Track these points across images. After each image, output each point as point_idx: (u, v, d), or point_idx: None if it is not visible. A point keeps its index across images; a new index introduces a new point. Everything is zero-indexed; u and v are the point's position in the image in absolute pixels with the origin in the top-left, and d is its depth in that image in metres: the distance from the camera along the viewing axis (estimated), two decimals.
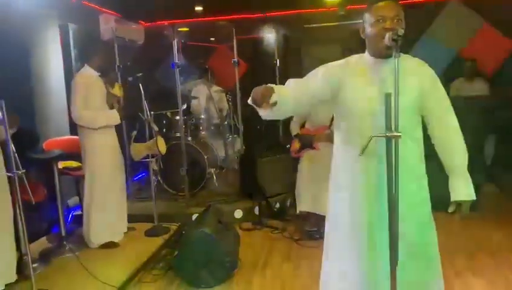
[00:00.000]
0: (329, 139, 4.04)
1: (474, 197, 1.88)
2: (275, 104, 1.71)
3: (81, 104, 3.48)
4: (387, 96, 1.58)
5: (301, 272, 3.30)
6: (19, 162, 2.61)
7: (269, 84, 1.75)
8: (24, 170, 2.62)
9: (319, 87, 1.91)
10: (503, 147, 5.20)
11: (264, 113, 1.82)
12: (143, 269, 3.34)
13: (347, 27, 5.92)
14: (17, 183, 2.62)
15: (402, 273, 1.69)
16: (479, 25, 5.73)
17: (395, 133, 1.59)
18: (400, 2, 1.84)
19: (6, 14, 3.47)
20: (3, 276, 2.82)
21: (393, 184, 1.61)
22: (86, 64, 3.64)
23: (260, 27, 5.98)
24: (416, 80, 1.84)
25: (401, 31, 1.61)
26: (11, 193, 2.84)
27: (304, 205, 3.96)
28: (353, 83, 1.87)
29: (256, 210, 4.40)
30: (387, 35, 1.66)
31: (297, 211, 4.01)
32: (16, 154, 2.59)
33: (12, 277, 2.90)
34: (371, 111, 1.81)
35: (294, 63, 6.13)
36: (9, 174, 2.57)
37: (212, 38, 6.81)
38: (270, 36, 5.96)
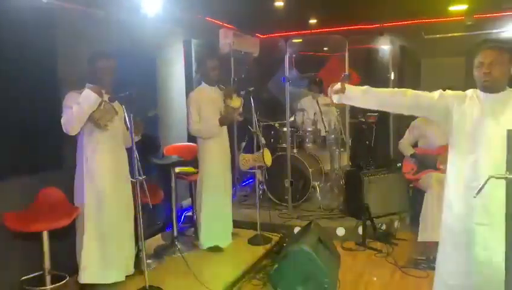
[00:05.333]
0: None
1: None
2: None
3: (193, 118, 3.82)
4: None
5: None
6: (141, 169, 2.91)
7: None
8: (145, 177, 2.91)
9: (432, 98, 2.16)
10: None
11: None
12: (243, 278, 3.47)
13: (474, 38, 5.40)
14: (138, 188, 2.94)
15: None
16: None
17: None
18: None
19: (139, 31, 3.90)
20: (124, 268, 3.17)
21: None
22: (202, 82, 3.94)
23: (375, 38, 5.77)
24: None
25: None
26: (133, 195, 3.17)
27: (434, 234, 3.64)
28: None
29: (360, 230, 4.25)
30: None
31: (423, 240, 3.70)
32: (139, 161, 2.91)
33: (131, 269, 3.24)
34: None
35: (411, 76, 5.77)
36: (132, 179, 2.89)
37: (326, 48, 6.78)
38: (385, 48, 5.72)
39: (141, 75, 3.99)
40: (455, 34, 5.53)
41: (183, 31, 4.98)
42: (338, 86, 2.19)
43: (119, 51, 3.46)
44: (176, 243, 3.87)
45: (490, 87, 2.04)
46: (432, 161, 3.91)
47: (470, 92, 2.17)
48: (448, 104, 2.14)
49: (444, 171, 3.80)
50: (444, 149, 3.88)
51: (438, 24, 5.63)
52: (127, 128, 2.95)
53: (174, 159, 4.04)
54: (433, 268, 3.48)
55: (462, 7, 5.20)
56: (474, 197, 1.56)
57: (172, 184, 4.00)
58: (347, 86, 2.20)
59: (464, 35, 5.48)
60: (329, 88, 2.24)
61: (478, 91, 2.13)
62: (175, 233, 3.98)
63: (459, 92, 2.19)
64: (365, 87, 2.26)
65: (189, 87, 4.89)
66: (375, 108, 2.32)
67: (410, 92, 2.21)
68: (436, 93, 2.18)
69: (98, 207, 3.01)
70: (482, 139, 2.01)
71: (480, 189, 1.54)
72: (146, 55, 4.27)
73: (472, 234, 2.01)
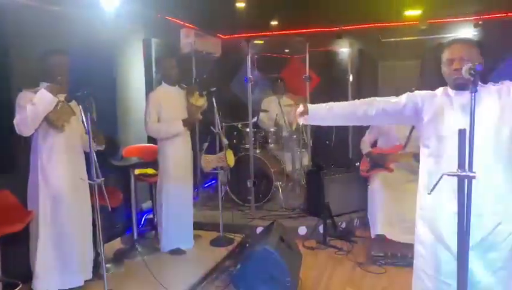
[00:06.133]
0: (406, 160, 3.87)
1: None
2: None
3: (151, 118, 3.72)
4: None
5: None
6: (99, 171, 2.82)
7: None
8: (103, 179, 2.82)
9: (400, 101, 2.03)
10: None
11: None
12: (206, 280, 3.44)
13: (428, 42, 5.65)
14: (96, 190, 2.84)
15: None
16: None
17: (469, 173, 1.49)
18: None
19: (97, 29, 3.78)
20: (82, 273, 3.06)
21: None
22: (162, 82, 3.87)
23: (334, 41, 5.91)
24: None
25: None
26: (91, 198, 3.07)
27: (379, 228, 3.75)
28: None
29: (321, 228, 4.32)
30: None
31: (373, 235, 3.81)
32: (97, 163, 2.81)
33: (89, 274, 3.14)
34: None
35: (368, 78, 5.95)
36: (90, 182, 2.79)
37: (287, 50, 6.86)
38: (344, 50, 5.86)
39: (99, 74, 3.87)
40: (410, 38, 5.76)
41: (143, 30, 4.88)
42: (301, 108, 2.08)
43: (76, 48, 3.34)
44: (137, 246, 3.79)
45: (463, 84, 1.84)
46: (384, 159, 4.03)
47: (440, 90, 2.01)
48: (417, 106, 1.99)
49: (392, 171, 3.97)
50: (397, 148, 4.02)
51: (394, 28, 5.85)
52: (86, 131, 2.86)
53: (133, 161, 3.95)
54: (391, 264, 3.66)
55: (417, 12, 5.43)
56: (429, 194, 1.61)
57: (132, 186, 3.90)
58: (310, 106, 2.08)
59: (419, 39, 5.72)
60: (295, 112, 2.13)
61: (449, 89, 1.98)
62: (135, 236, 3.90)
63: (428, 92, 2.03)
64: (329, 104, 2.11)
65: (149, 87, 4.80)
66: (343, 124, 2.20)
67: (376, 101, 2.04)
68: (404, 97, 2.04)
69: (53, 211, 2.89)
70: (455, 141, 1.77)
71: (434, 187, 1.59)
72: (104, 54, 4.14)
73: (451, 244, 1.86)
